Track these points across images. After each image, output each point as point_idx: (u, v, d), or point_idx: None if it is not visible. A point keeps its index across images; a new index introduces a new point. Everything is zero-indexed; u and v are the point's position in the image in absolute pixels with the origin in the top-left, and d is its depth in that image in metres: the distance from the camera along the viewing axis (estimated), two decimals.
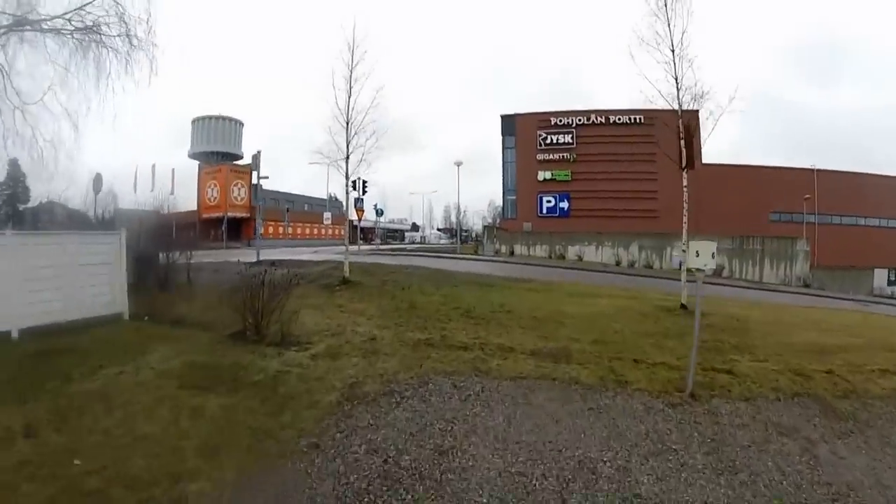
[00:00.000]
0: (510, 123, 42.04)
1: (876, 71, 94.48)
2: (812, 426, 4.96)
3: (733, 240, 31.25)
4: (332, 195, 43.76)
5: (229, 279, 8.62)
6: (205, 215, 40.43)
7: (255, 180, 22.35)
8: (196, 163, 46.60)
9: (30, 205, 30.99)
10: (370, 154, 11.54)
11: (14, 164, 17.52)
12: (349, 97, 11.48)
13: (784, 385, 5.82)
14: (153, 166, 39.15)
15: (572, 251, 32.68)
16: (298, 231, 54.03)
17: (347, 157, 11.64)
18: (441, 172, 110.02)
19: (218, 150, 46.24)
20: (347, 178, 11.79)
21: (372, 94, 11.36)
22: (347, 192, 12.26)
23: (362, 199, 29.08)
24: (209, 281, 10.86)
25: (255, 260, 16.81)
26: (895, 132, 77.37)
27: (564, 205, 40.12)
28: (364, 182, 28.94)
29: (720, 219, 34.26)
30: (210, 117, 47.31)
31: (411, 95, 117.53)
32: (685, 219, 10.42)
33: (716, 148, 38.85)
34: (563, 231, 34.86)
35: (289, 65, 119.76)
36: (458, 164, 30.23)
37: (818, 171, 37.66)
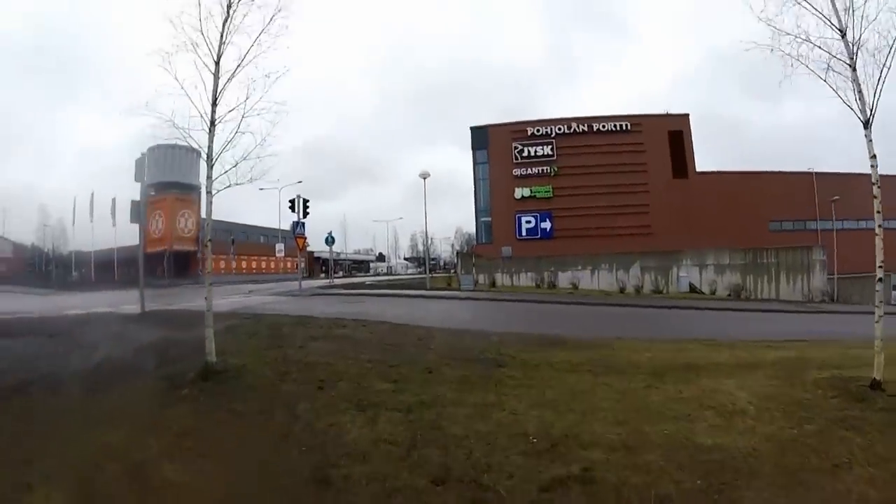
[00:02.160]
0: (482, 135, 37.05)
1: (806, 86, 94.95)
2: None
3: (745, 254, 27.09)
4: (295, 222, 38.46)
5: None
6: (149, 249, 34.58)
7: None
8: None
9: None
10: (252, 115, 5.63)
11: None
12: (227, 17, 5.53)
13: None
14: (91, 196, 34.26)
15: (564, 278, 27.60)
16: (253, 265, 49.69)
17: (213, 124, 5.68)
18: (404, 202, 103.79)
19: (172, 180, 40.24)
20: (210, 159, 5.72)
21: (269, 14, 5.47)
22: (210, 192, 5.72)
23: (303, 224, 23.06)
24: None
25: (138, 311, 10.83)
26: (836, 142, 76.79)
27: (546, 225, 35.11)
28: (305, 202, 23.05)
29: (719, 231, 30.05)
30: (165, 146, 41.37)
31: (364, 125, 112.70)
32: None
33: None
34: (547, 254, 29.84)
35: None
36: (425, 175, 24.61)
37: (816, 173, 34.10)
